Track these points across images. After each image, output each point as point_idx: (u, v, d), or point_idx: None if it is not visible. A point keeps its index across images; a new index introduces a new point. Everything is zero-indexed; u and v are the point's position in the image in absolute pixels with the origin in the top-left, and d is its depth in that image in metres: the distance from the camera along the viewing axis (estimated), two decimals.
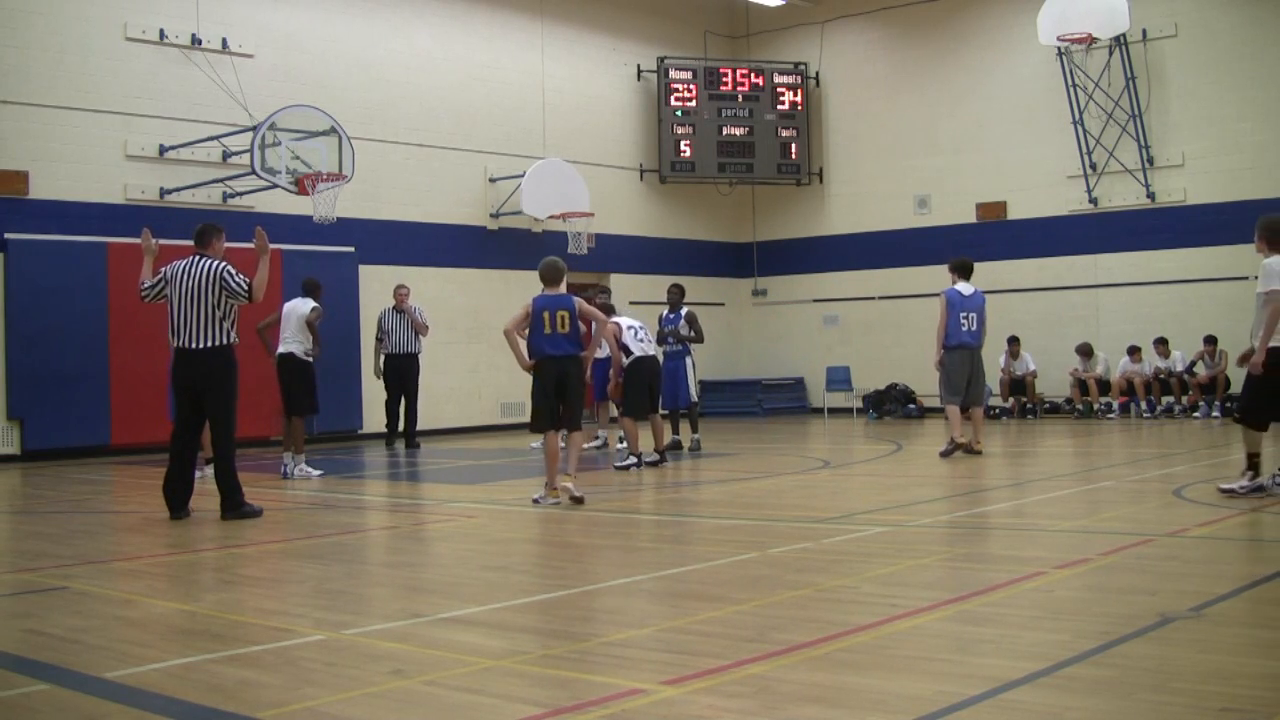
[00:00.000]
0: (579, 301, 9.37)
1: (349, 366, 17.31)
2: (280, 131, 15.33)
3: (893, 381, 21.10)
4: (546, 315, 9.10)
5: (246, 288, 8.90)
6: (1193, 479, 9.78)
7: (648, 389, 12.38)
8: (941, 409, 13.07)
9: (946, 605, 5.20)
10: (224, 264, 8.98)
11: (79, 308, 14.99)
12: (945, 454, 12.43)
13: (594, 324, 9.62)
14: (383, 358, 16.08)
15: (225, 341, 8.94)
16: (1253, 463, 8.46)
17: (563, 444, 9.41)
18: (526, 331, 9.20)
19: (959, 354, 12.76)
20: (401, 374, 16.09)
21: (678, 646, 4.62)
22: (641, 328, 12.68)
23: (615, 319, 12.49)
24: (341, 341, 17.05)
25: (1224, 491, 8.51)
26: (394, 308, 16.14)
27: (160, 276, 9.07)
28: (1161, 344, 18.45)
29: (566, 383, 9.15)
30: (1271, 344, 8.28)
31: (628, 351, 12.29)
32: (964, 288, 12.88)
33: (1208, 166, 18.87)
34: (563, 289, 9.38)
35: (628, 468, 11.91)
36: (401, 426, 16.25)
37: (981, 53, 21.15)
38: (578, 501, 9.01)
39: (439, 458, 14.85)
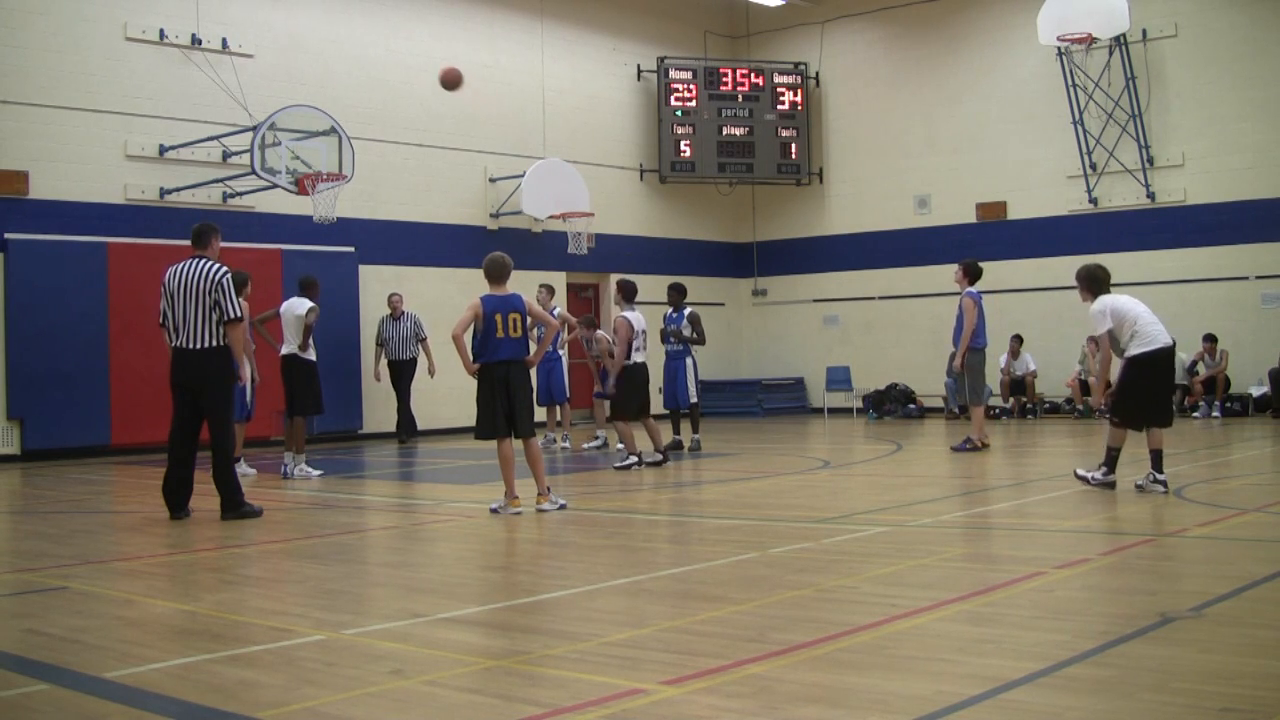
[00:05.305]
0: (528, 301, 9.08)
1: (349, 367, 17.33)
2: (280, 131, 15.34)
3: (893, 381, 21.11)
4: (499, 318, 8.69)
5: (235, 314, 8.90)
6: (1193, 479, 9.78)
7: (639, 393, 12.27)
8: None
9: (946, 605, 5.20)
10: (226, 274, 8.95)
11: (79, 308, 14.99)
12: (965, 450, 12.84)
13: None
14: (384, 363, 17.22)
15: (221, 342, 8.94)
16: (1111, 457, 9.04)
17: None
18: (468, 334, 8.78)
19: (983, 355, 13.19)
20: (400, 376, 17.20)
21: (678, 646, 4.62)
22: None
23: (627, 314, 12.37)
24: (341, 342, 17.09)
25: (1079, 478, 9.24)
26: (390, 315, 17.08)
27: (162, 292, 9.02)
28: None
29: (515, 387, 8.75)
30: (1131, 353, 8.84)
31: (627, 354, 12.22)
32: (976, 291, 13.11)
33: (1208, 166, 18.88)
34: (508, 287, 8.96)
35: (628, 468, 11.90)
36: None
37: (981, 53, 21.15)
38: (562, 509, 8.85)
39: (438, 457, 14.85)
